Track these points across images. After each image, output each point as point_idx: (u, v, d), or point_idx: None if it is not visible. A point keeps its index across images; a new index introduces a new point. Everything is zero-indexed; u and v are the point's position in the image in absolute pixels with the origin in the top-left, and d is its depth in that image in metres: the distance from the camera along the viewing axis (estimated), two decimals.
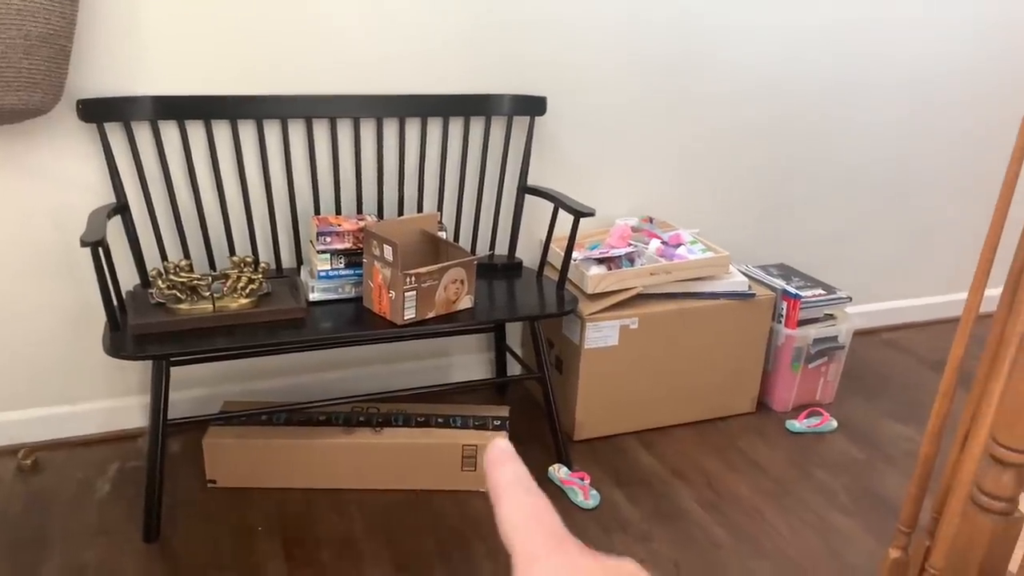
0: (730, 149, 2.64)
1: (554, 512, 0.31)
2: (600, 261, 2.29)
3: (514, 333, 2.57)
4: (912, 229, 3.02)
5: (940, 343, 3.03)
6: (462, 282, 1.97)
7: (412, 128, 2.23)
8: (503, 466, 0.33)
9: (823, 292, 2.51)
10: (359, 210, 2.19)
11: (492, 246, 2.34)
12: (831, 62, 2.64)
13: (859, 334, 3.08)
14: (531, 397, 2.52)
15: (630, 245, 2.34)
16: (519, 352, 2.57)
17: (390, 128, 2.21)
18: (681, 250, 2.33)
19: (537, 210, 2.44)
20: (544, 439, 2.29)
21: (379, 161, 2.18)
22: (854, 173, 2.84)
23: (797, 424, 2.43)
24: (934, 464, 1.37)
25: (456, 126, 2.27)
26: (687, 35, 2.43)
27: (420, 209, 2.26)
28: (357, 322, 1.94)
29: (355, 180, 2.19)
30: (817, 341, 2.48)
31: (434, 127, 2.25)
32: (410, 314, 1.90)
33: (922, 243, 3.06)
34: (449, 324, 1.95)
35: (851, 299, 2.52)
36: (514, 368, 2.59)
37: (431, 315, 1.94)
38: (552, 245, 2.38)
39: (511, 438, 2.27)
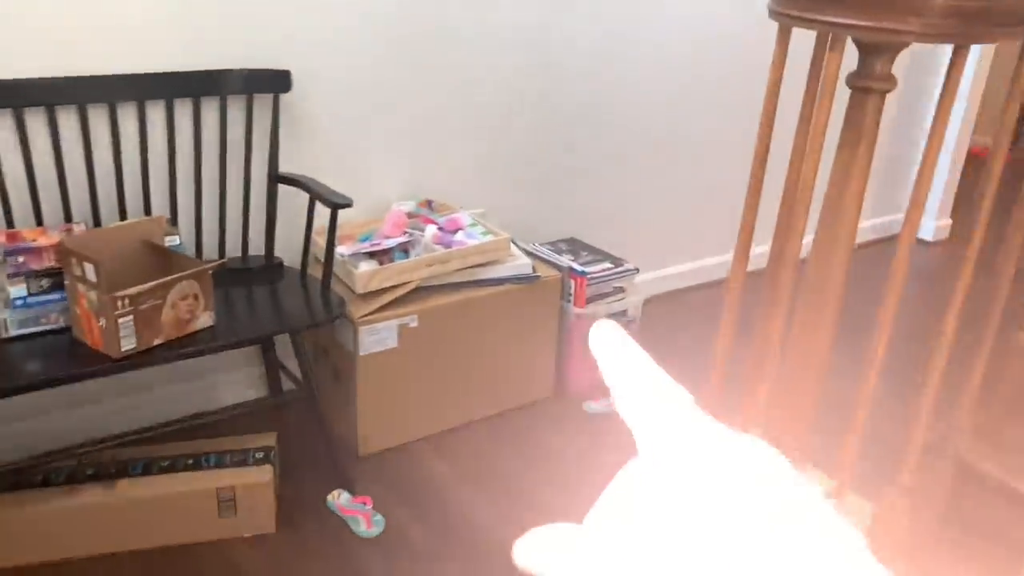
0: (505, 122, 2.46)
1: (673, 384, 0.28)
2: (371, 255, 2.05)
3: (285, 341, 2.28)
4: (693, 191, 3.01)
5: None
6: (196, 297, 1.65)
7: (127, 115, 1.86)
8: (613, 352, 0.29)
9: (610, 266, 2.41)
10: (67, 218, 1.80)
11: (244, 247, 2.03)
12: (596, 26, 2.53)
13: (653, 300, 3.05)
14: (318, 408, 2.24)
15: (405, 234, 2.11)
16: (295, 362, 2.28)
17: (98, 116, 1.83)
18: (460, 235, 2.13)
19: (298, 201, 2.14)
20: (329, 460, 2.04)
21: (87, 157, 1.79)
22: (630, 139, 2.77)
23: (594, 405, 2.33)
24: None
25: (184, 109, 1.92)
26: (447, 1, 2.21)
27: (148, 211, 1.90)
28: (66, 359, 1.58)
29: (57, 182, 1.79)
30: (608, 318, 2.39)
31: (155, 112, 1.89)
32: (129, 344, 1.56)
33: (703, 204, 3.07)
34: (184, 350, 1.63)
35: (638, 270, 2.45)
36: (290, 383, 2.30)
37: (159, 341, 1.62)
38: (316, 238, 2.10)
39: (284, 467, 1.99)
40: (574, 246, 2.55)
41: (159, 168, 1.93)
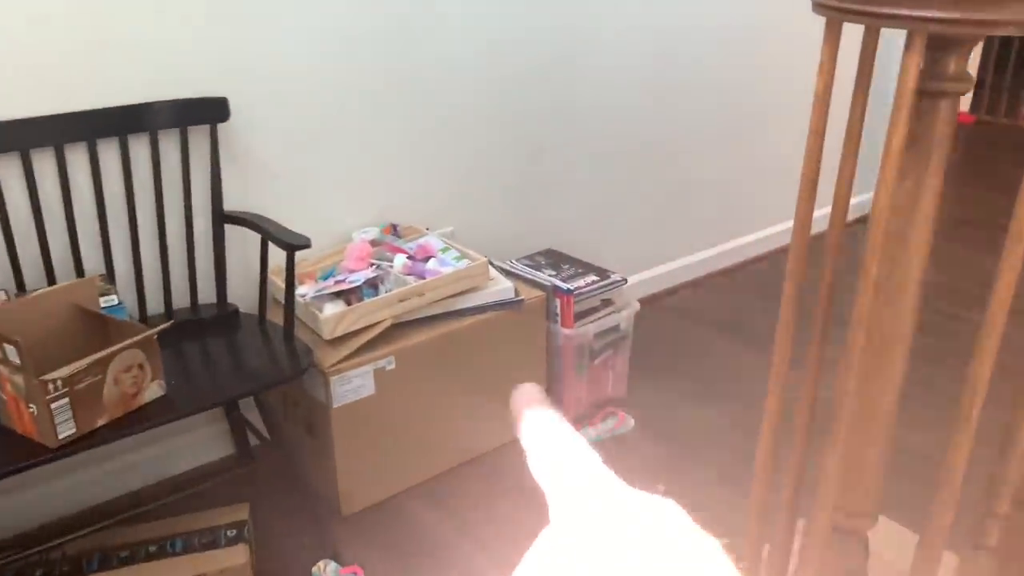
0: (468, 132, 2.28)
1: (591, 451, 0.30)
2: (337, 295, 1.85)
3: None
4: (670, 190, 2.86)
5: (718, 299, 2.92)
6: (141, 367, 1.44)
7: (44, 161, 1.63)
8: (530, 417, 0.32)
9: (596, 278, 2.24)
10: None
11: (193, 296, 1.82)
12: (556, 22, 2.35)
13: (641, 304, 2.89)
14: (293, 466, 2.04)
15: (371, 266, 1.92)
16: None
17: (9, 167, 1.60)
18: (432, 263, 1.94)
19: (249, 239, 1.93)
20: (310, 525, 1.83)
21: (0, 215, 1.57)
22: (601, 139, 2.60)
23: (592, 432, 2.17)
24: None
25: (110, 151, 1.70)
26: (395, 2, 2.01)
27: (80, 270, 1.68)
28: None
29: None
30: (599, 336, 2.22)
31: (77, 156, 1.67)
32: (67, 431, 1.35)
33: (681, 202, 2.92)
34: (132, 428, 1.42)
35: (626, 281, 2.28)
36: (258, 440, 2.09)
37: (102, 422, 1.41)
38: (274, 278, 1.90)
39: (262, 537, 1.79)
40: (553, 258, 2.38)
41: (87, 219, 1.71)
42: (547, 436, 0.30)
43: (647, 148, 2.73)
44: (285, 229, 1.64)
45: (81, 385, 1.35)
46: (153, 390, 1.48)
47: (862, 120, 0.91)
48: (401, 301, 1.82)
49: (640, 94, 2.63)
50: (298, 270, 1.95)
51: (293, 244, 1.57)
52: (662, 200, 2.86)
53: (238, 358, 1.67)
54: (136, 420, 1.43)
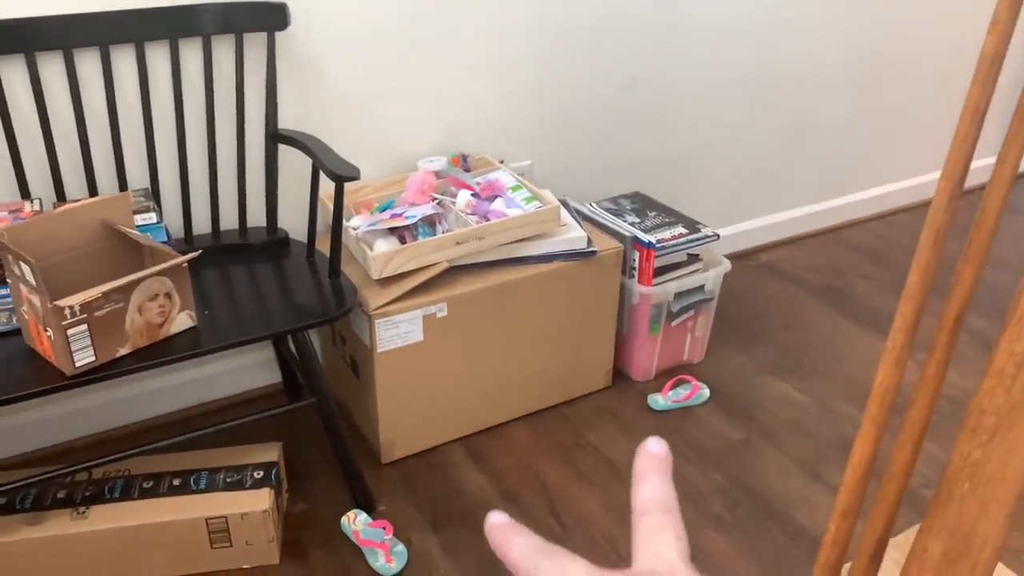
0: (555, 54, 2.04)
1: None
2: (391, 230, 1.70)
3: None
4: (777, 134, 2.55)
5: (819, 260, 2.64)
6: (168, 296, 1.34)
7: (89, 63, 1.52)
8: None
9: (684, 231, 2.01)
10: (24, 193, 1.50)
11: (242, 219, 1.70)
12: None
13: (731, 260, 2.64)
14: (341, 403, 1.96)
15: (432, 201, 1.76)
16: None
17: (52, 67, 1.50)
18: (498, 203, 1.76)
19: (305, 160, 1.79)
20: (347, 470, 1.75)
21: (42, 118, 1.47)
22: (705, 74, 2.31)
23: (661, 400, 1.98)
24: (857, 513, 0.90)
25: (159, 54, 1.57)
26: None
27: (123, 182, 1.58)
28: (16, 372, 1.30)
29: (8, 149, 1.48)
30: (680, 296, 2.01)
31: (123, 59, 1.55)
32: (85, 359, 1.27)
33: (791, 147, 2.61)
34: (156, 360, 1.33)
35: (718, 236, 2.04)
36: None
37: (124, 351, 1.32)
38: (327, 202, 1.76)
39: (294, 476, 1.71)
40: (640, 203, 2.15)
41: (133, 129, 1.60)
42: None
43: (757, 84, 2.42)
44: (336, 156, 1.49)
45: (101, 312, 1.26)
46: (182, 321, 1.38)
47: None
48: (458, 244, 1.66)
49: (751, 23, 2.32)
50: (356, 198, 1.81)
51: (341, 175, 1.42)
52: (767, 145, 2.56)
53: (279, 291, 1.55)
54: (161, 352, 1.34)
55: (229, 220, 1.74)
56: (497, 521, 0.34)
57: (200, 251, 1.35)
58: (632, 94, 2.20)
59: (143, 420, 1.87)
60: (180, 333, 1.38)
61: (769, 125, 2.51)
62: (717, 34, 2.26)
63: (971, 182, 3.18)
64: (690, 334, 2.11)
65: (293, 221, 1.81)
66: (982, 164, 3.22)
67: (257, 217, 1.76)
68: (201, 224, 1.71)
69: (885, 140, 2.81)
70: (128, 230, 1.38)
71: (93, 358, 1.28)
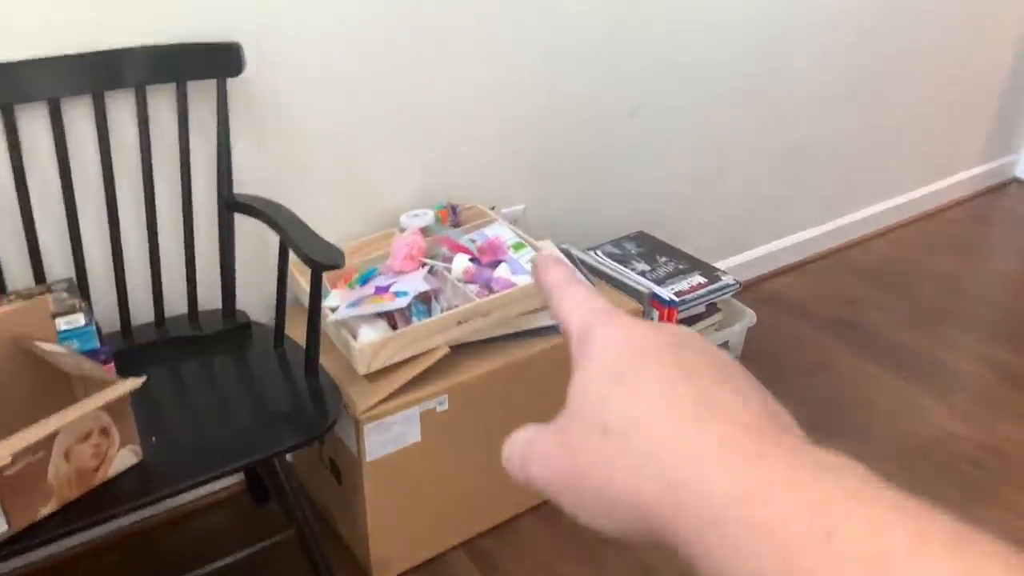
0: (547, 87, 1.78)
1: (600, 295, 0.31)
2: (379, 313, 1.41)
3: None
4: (779, 155, 2.34)
5: (826, 288, 2.44)
6: (104, 432, 1.04)
7: None
8: (550, 270, 0.33)
9: (703, 280, 1.78)
10: None
11: (192, 302, 1.40)
12: None
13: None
14: (319, 505, 1.67)
15: (423, 267, 1.48)
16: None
17: None
18: (502, 269, 1.49)
19: (266, 228, 1.50)
20: None
21: None
22: (704, 98, 2.08)
23: None
24: None
25: (79, 111, 1.27)
26: None
27: (39, 273, 1.27)
28: None
29: None
30: None
31: (34, 119, 1.24)
32: None
33: (791, 170, 2.40)
34: (91, 517, 1.03)
35: (740, 284, 1.81)
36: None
37: (48, 510, 1.02)
38: (298, 276, 1.48)
39: None
40: (646, 246, 1.92)
41: (51, 205, 1.28)
42: (565, 287, 0.32)
43: (753, 105, 2.20)
44: (311, 236, 1.20)
45: (12, 470, 0.95)
46: (123, 458, 1.08)
47: None
48: (460, 324, 1.39)
49: (751, 45, 2.09)
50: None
51: (318, 262, 1.14)
52: (766, 170, 2.35)
53: (246, 399, 1.26)
54: (98, 506, 1.04)
55: (176, 304, 1.44)
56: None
57: (145, 378, 1.05)
58: (628, 127, 1.95)
59: (91, 540, 1.56)
60: (122, 474, 1.09)
61: (769, 149, 2.30)
62: (710, 59, 2.02)
63: (968, 191, 3.04)
64: None
65: (253, 297, 1.52)
66: (981, 169, 3.09)
67: (210, 298, 1.46)
68: (142, 311, 1.40)
69: (882, 157, 2.64)
70: (47, 349, 1.07)
71: (5, 527, 0.98)
